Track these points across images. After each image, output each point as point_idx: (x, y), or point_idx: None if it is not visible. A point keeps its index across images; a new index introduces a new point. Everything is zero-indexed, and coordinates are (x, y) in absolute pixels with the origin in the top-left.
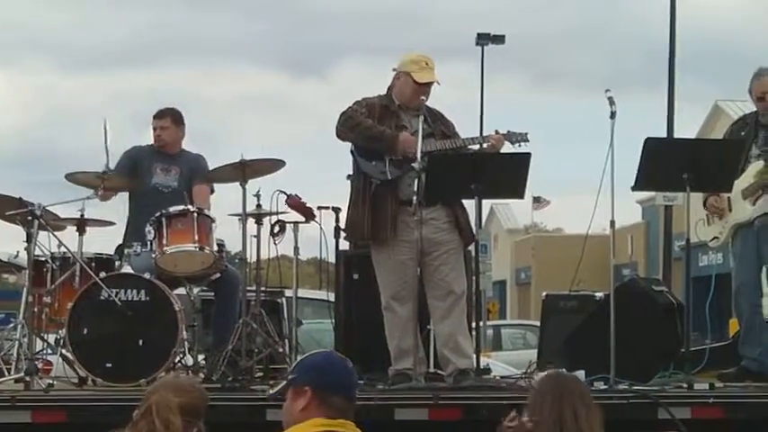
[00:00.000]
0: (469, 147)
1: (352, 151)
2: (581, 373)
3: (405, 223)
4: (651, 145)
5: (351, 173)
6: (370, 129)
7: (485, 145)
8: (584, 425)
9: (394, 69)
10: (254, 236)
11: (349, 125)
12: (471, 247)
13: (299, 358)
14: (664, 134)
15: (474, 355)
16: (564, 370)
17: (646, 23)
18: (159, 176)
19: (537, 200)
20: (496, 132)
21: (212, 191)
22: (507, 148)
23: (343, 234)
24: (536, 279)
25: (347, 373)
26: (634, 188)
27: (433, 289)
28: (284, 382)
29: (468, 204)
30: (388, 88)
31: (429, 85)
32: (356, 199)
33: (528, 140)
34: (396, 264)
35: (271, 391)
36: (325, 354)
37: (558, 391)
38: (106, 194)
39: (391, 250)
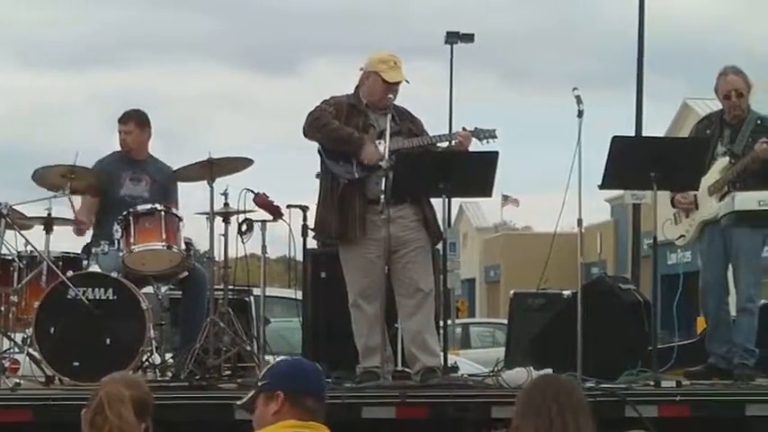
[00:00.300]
0: (437, 144)
1: (319, 151)
2: (548, 372)
3: (372, 222)
4: (618, 143)
5: (319, 171)
6: (336, 131)
7: (453, 142)
8: None
9: (361, 69)
10: (222, 234)
11: (316, 126)
12: (440, 246)
13: (266, 357)
14: (632, 133)
15: (441, 353)
16: (531, 368)
17: (614, 22)
18: (128, 187)
19: (505, 198)
20: (464, 129)
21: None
22: (475, 144)
23: (311, 233)
24: (505, 277)
25: (317, 375)
26: (601, 186)
27: (400, 287)
28: (253, 391)
29: (437, 202)
30: (356, 87)
31: (398, 84)
32: (324, 198)
33: (496, 137)
34: (364, 262)
35: (239, 402)
36: (295, 359)
37: (552, 397)
38: (81, 230)
39: (359, 249)
